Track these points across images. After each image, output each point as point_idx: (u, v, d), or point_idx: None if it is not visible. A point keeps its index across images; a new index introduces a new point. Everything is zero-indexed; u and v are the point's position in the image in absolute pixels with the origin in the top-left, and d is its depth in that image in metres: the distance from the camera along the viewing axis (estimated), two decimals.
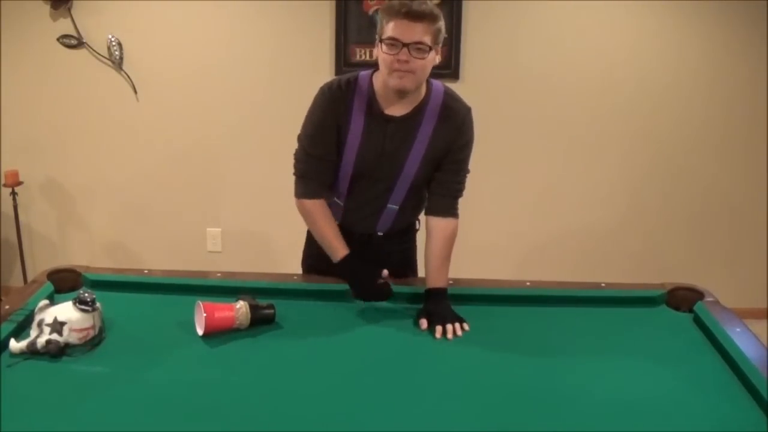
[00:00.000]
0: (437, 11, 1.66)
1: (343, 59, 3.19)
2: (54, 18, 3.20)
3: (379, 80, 1.76)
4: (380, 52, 1.67)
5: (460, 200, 1.91)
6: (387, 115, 1.78)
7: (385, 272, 1.80)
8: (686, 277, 2.14)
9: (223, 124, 3.36)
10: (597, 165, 3.39)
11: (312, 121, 1.81)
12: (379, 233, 1.96)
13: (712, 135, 3.33)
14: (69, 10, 3.17)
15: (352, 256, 1.84)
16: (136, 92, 3.31)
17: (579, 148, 3.37)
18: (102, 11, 3.18)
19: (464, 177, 1.90)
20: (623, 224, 3.47)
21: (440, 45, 1.70)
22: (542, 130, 3.35)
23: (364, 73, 1.81)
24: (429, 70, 1.71)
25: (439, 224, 1.85)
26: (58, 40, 3.21)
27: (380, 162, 1.82)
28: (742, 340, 1.60)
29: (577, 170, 3.40)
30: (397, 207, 1.90)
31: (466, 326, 1.71)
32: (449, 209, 1.87)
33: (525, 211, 3.47)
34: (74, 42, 3.21)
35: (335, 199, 1.93)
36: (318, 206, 1.87)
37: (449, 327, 1.68)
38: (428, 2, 1.65)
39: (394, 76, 1.66)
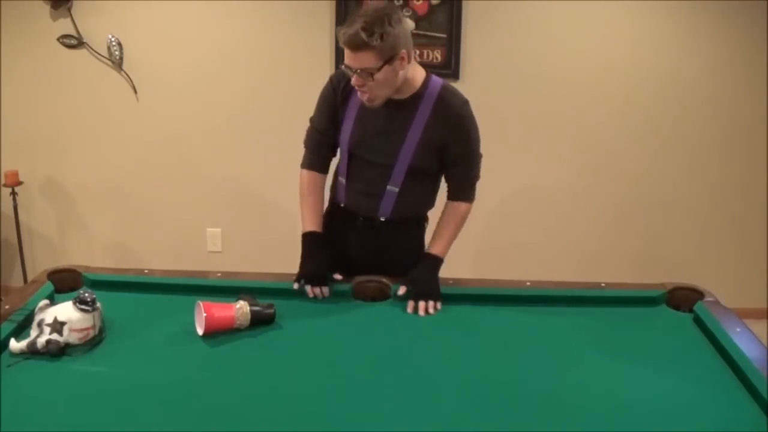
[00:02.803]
0: (374, 31, 1.64)
1: (343, 59, 3.18)
2: (54, 18, 3.20)
3: None
4: None
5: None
6: None
7: (338, 276, 1.91)
8: (686, 277, 2.14)
9: (223, 124, 3.35)
10: (597, 164, 3.39)
11: (319, 98, 1.98)
12: (382, 218, 1.97)
13: (713, 135, 3.34)
14: (69, 10, 3.17)
15: (313, 235, 1.95)
16: (136, 92, 3.31)
17: (579, 148, 3.37)
18: (102, 11, 3.18)
19: (476, 165, 1.96)
20: (623, 224, 3.48)
21: (397, 56, 1.70)
22: (542, 130, 3.35)
23: None
24: (393, 79, 1.75)
25: (450, 204, 1.99)
26: (58, 40, 3.21)
27: (374, 143, 1.89)
28: (742, 340, 1.61)
29: (577, 169, 3.40)
30: (397, 189, 1.92)
31: (438, 305, 1.81)
32: (461, 196, 1.98)
33: (525, 210, 3.47)
34: (74, 42, 3.21)
35: (340, 176, 2.01)
36: (311, 178, 2.00)
37: (421, 304, 1.78)
38: (368, 22, 1.65)
39: (359, 93, 1.79)
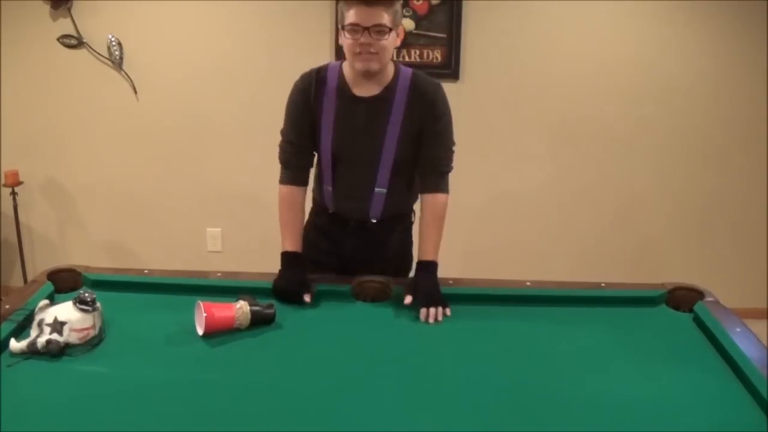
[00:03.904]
0: None
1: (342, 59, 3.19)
2: (54, 18, 3.20)
3: (347, 66, 1.85)
4: (344, 39, 1.76)
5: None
6: (357, 97, 1.85)
7: (307, 298, 1.81)
8: (686, 277, 2.13)
9: (223, 124, 3.36)
10: (597, 164, 3.39)
11: (287, 109, 1.92)
12: (373, 220, 1.98)
13: (713, 134, 3.33)
14: (69, 10, 3.17)
15: (290, 255, 1.91)
16: (136, 92, 3.31)
17: (579, 148, 3.37)
18: (102, 11, 3.18)
19: (448, 152, 1.93)
20: (623, 224, 3.47)
21: (400, 26, 1.79)
22: (542, 130, 3.35)
23: (334, 63, 1.91)
24: (391, 50, 1.78)
25: (427, 199, 1.93)
26: (58, 40, 3.21)
27: (357, 142, 1.88)
28: (742, 340, 1.60)
29: (577, 170, 3.40)
30: (385, 190, 1.92)
31: (447, 311, 1.77)
32: (436, 186, 1.92)
33: (524, 210, 3.47)
34: (74, 42, 3.21)
35: (325, 185, 1.98)
36: (290, 194, 1.94)
37: (432, 311, 1.75)
38: None
39: (358, 59, 1.75)
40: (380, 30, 1.70)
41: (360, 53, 1.73)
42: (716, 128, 3.32)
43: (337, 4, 3.12)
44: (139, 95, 3.32)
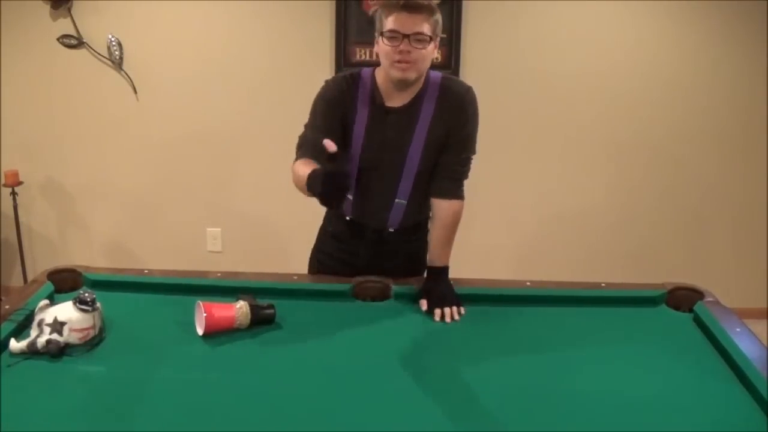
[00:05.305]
0: (434, 5, 1.72)
1: (343, 59, 3.19)
2: (54, 18, 3.20)
3: (381, 75, 1.81)
4: (381, 46, 1.71)
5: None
6: (387, 107, 1.82)
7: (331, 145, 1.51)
8: (686, 277, 2.13)
9: (223, 124, 3.36)
10: (597, 164, 3.39)
11: (317, 111, 1.85)
12: (391, 229, 1.97)
13: (712, 134, 3.34)
14: (69, 10, 3.17)
15: (320, 169, 1.60)
16: (136, 92, 3.31)
17: (579, 147, 3.37)
18: (102, 11, 3.18)
19: (468, 159, 1.90)
20: (623, 224, 3.48)
21: (438, 38, 1.76)
22: (542, 130, 3.35)
23: (366, 69, 1.86)
24: (429, 61, 1.75)
25: (441, 206, 1.89)
26: (58, 40, 3.21)
27: (383, 152, 1.85)
28: (742, 340, 1.60)
29: (577, 169, 3.40)
30: (405, 201, 1.91)
31: (462, 310, 1.76)
32: (452, 192, 1.89)
33: (525, 210, 3.47)
34: (74, 42, 3.21)
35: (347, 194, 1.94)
36: (304, 161, 1.75)
37: (447, 311, 1.74)
38: None
39: (395, 67, 1.69)
40: (420, 39, 1.66)
41: (398, 61, 1.68)
42: (717, 128, 3.32)
43: (337, 4, 3.15)
44: (139, 95, 3.32)
